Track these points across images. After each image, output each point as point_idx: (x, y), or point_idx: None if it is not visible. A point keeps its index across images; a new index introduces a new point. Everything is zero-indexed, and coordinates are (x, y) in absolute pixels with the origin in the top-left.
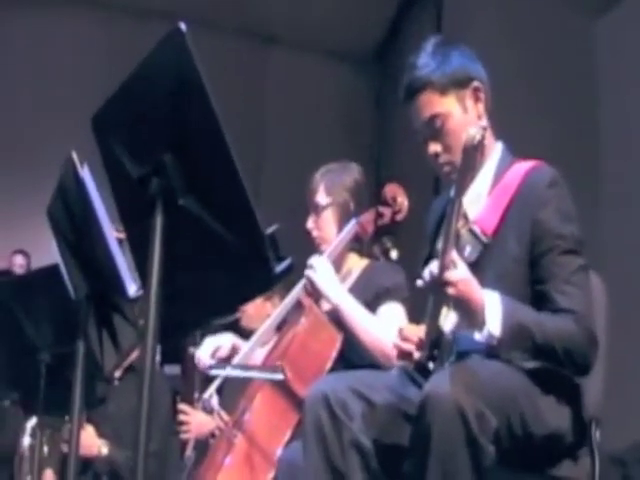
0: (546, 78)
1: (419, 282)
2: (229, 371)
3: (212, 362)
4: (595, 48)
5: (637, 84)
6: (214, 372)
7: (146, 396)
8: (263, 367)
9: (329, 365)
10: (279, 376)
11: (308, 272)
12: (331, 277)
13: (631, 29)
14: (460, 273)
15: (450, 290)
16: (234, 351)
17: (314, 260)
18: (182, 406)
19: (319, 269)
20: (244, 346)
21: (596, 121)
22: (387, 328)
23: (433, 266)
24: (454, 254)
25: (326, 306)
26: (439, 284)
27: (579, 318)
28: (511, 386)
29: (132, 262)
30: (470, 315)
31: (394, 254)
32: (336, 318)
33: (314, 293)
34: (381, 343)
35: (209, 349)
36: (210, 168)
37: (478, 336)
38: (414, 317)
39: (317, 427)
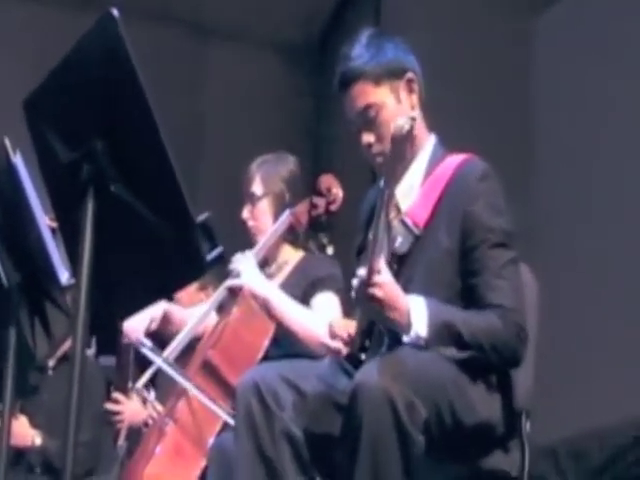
0: (482, 73)
1: (355, 282)
2: (165, 366)
3: (146, 341)
4: (532, 46)
5: (572, 82)
6: (146, 352)
7: (76, 385)
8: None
9: (261, 354)
10: (224, 415)
11: (232, 277)
12: (256, 274)
13: (569, 28)
14: (386, 277)
15: (377, 292)
16: (166, 319)
17: (237, 262)
18: (116, 395)
19: (243, 270)
20: (177, 337)
21: (530, 115)
22: (321, 316)
23: (362, 271)
24: (381, 263)
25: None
26: (367, 285)
27: (507, 312)
28: (441, 375)
29: (64, 250)
30: (396, 320)
31: (330, 250)
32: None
33: (238, 293)
34: (312, 332)
35: (142, 323)
36: (141, 155)
37: (406, 339)
38: (348, 308)
39: (248, 416)
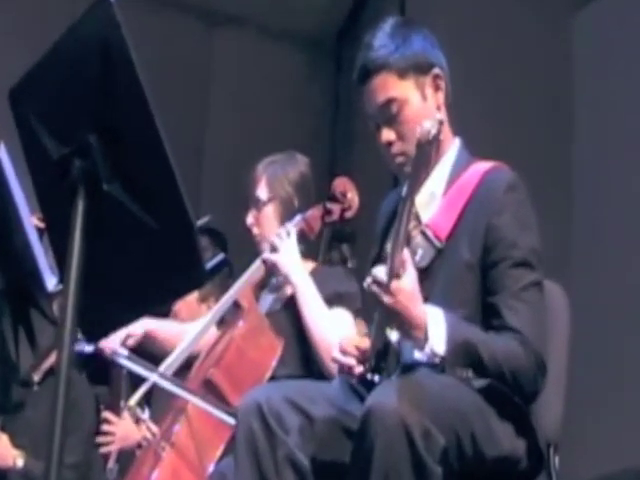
0: (516, 70)
1: (365, 283)
2: (158, 379)
3: (122, 350)
4: (574, 40)
5: (616, 77)
6: (122, 362)
7: (61, 400)
8: (206, 397)
9: (268, 374)
10: (231, 420)
11: (270, 252)
12: (293, 254)
13: (612, 22)
14: (404, 283)
15: (388, 300)
16: (147, 337)
17: (278, 236)
18: (107, 415)
19: (281, 246)
20: (174, 352)
21: (572, 117)
22: (336, 328)
23: (380, 271)
24: (406, 254)
25: (265, 306)
26: (383, 291)
27: (526, 340)
28: (462, 402)
29: (52, 253)
30: (410, 332)
31: (351, 264)
32: (276, 322)
33: (272, 270)
34: (326, 339)
35: (118, 335)
36: (137, 152)
37: (419, 355)
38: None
39: (250, 440)
